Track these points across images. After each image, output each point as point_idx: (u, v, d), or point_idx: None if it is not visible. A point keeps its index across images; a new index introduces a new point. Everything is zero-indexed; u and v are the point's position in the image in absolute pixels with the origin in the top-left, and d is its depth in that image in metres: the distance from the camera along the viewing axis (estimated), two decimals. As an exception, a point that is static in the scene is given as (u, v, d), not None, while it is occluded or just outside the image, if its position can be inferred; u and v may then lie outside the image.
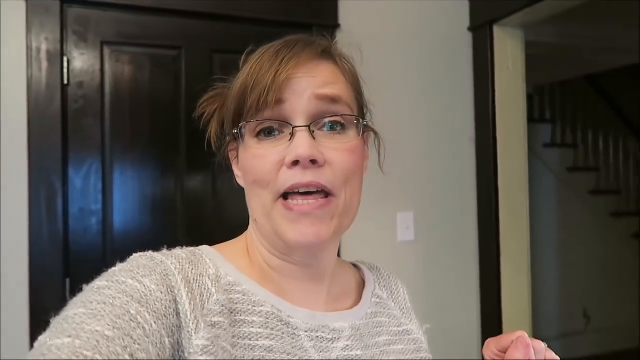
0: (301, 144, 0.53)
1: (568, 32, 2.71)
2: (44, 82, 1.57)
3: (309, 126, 0.54)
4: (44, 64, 1.57)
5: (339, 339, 0.58)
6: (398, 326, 0.66)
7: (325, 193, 0.54)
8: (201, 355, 0.48)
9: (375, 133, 0.63)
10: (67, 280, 1.59)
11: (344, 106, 0.56)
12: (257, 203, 0.57)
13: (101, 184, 1.63)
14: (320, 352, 0.56)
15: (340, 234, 0.58)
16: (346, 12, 1.92)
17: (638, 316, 4.15)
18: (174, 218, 1.72)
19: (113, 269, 0.52)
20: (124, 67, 1.67)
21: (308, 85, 0.55)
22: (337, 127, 0.56)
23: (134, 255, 0.54)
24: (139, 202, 1.68)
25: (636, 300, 4.25)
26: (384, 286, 0.69)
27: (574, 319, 4.10)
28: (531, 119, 2.39)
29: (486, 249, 2.09)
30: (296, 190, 0.54)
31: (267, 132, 0.55)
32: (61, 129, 1.59)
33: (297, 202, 0.54)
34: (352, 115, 0.57)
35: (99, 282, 0.49)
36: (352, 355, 0.58)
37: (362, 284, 0.67)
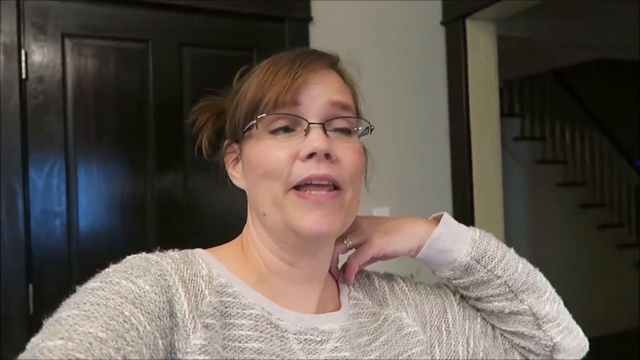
0: (317, 138, 0.55)
1: (537, 26, 2.74)
2: (0, 77, 1.48)
3: (323, 124, 0.57)
4: (1, 58, 1.48)
5: (328, 340, 0.59)
6: (377, 321, 0.67)
7: (334, 187, 0.57)
8: (199, 354, 0.49)
9: (365, 149, 0.65)
10: (30, 286, 1.50)
11: (351, 114, 0.61)
12: (267, 195, 0.57)
13: (65, 184, 1.55)
14: (309, 354, 0.57)
15: (343, 230, 0.60)
16: (318, 6, 1.88)
17: (605, 305, 4.26)
18: (144, 219, 1.65)
19: (106, 269, 0.52)
20: (87, 60, 1.59)
21: (324, 92, 0.58)
22: (344, 131, 0.60)
23: (128, 256, 0.54)
24: (106, 203, 1.61)
25: (603, 290, 4.37)
26: (359, 287, 0.70)
27: (544, 309, 4.19)
28: (501, 113, 2.42)
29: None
30: (310, 183, 0.56)
31: (280, 131, 0.57)
32: (20, 127, 1.50)
33: (311, 192, 0.56)
34: (358, 117, 0.62)
35: (93, 283, 0.49)
36: (341, 357, 0.59)
37: (338, 290, 0.68)
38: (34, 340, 0.43)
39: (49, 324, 0.45)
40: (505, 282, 0.68)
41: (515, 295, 0.69)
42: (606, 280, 4.36)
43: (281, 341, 0.56)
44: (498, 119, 2.20)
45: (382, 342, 0.64)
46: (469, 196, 2.08)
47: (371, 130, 0.63)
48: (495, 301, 0.69)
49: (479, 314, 0.73)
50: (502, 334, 0.73)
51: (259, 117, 0.57)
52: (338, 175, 0.56)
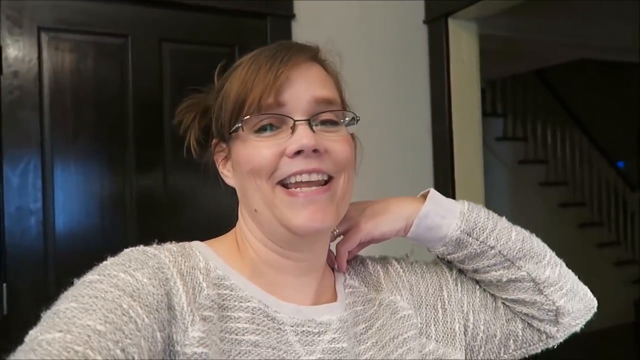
0: (304, 135, 0.55)
1: (519, 26, 2.76)
2: (-26, 72, 1.44)
3: (309, 120, 0.57)
4: (-26, 52, 1.45)
5: (325, 332, 0.59)
6: (372, 307, 0.66)
7: (325, 181, 0.58)
8: (197, 346, 0.49)
9: (354, 136, 0.65)
10: (4, 285, 1.47)
11: (337, 106, 0.61)
12: (257, 193, 0.58)
13: (40, 181, 1.52)
14: (305, 345, 0.57)
15: (338, 221, 0.61)
16: (301, 3, 1.87)
17: (585, 302, 4.32)
18: (123, 218, 1.62)
19: (104, 262, 0.52)
20: (65, 55, 1.55)
21: (307, 88, 0.58)
22: (330, 123, 0.59)
23: (126, 249, 0.55)
24: (83, 201, 1.58)
25: (583, 287, 4.42)
26: (354, 274, 0.70)
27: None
28: (484, 113, 2.44)
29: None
30: (299, 180, 0.56)
31: (265, 129, 0.57)
32: (-6, 123, 1.46)
33: (301, 189, 0.56)
34: (343, 110, 0.62)
35: (91, 276, 0.49)
36: (338, 348, 0.59)
37: (333, 279, 0.68)
38: (32, 333, 0.43)
39: (47, 317, 0.45)
40: (499, 251, 0.68)
41: (512, 262, 0.69)
42: (587, 278, 4.40)
43: (278, 333, 0.56)
44: (480, 118, 2.21)
45: (377, 327, 0.64)
46: (451, 196, 2.09)
47: (357, 121, 0.63)
48: (492, 271, 0.69)
49: (477, 286, 0.73)
50: (503, 304, 0.73)
51: (243, 119, 0.57)
52: (327, 166, 0.57)
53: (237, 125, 0.58)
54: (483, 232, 0.68)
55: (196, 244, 0.60)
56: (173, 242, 0.59)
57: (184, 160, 1.90)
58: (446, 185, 2.09)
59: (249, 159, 0.57)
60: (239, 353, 0.53)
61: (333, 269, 0.69)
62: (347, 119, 0.62)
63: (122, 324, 0.44)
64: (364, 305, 0.66)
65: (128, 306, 0.46)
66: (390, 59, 2.07)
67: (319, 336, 0.58)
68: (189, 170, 1.70)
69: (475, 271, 0.71)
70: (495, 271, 0.69)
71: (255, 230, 0.61)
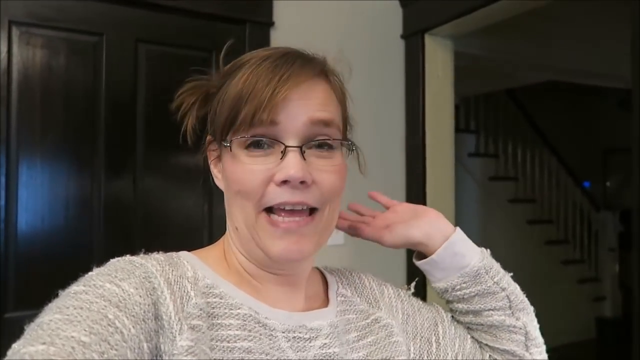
0: (292, 165, 0.54)
1: (492, 46, 2.83)
2: (-62, 63, 1.40)
3: (300, 147, 0.55)
4: (-60, 43, 1.40)
5: (316, 337, 0.59)
6: (366, 319, 0.67)
7: (309, 210, 0.57)
8: (186, 355, 0.48)
9: (357, 148, 0.64)
10: (-40, 286, 1.41)
11: (334, 129, 0.58)
12: (240, 213, 0.57)
13: (4, 178, 1.47)
14: (298, 351, 0.57)
15: (320, 247, 0.60)
16: (281, 11, 1.88)
17: (550, 319, 4.41)
18: (89, 221, 1.58)
19: (90, 273, 0.51)
20: (36, 51, 1.52)
21: (304, 110, 0.55)
22: (325, 147, 0.57)
23: (112, 259, 0.54)
24: (48, 201, 1.53)
25: (547, 305, 4.52)
26: (347, 284, 0.70)
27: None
28: (457, 129, 2.49)
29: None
30: (282, 207, 0.55)
31: (257, 145, 0.56)
32: (-42, 117, 1.42)
33: (283, 219, 0.55)
34: (340, 140, 0.59)
35: (76, 287, 0.48)
36: (330, 353, 0.59)
37: (326, 287, 0.69)
38: (15, 346, 0.42)
39: (30, 329, 0.44)
40: (507, 296, 0.70)
41: (512, 312, 0.71)
42: (551, 295, 4.52)
43: (270, 339, 0.55)
44: (453, 134, 2.25)
45: (370, 342, 0.64)
46: (423, 207, 2.10)
47: (352, 150, 0.61)
48: (495, 315, 0.71)
49: (469, 336, 0.75)
50: (490, 356, 0.74)
51: (232, 139, 0.55)
52: (313, 198, 0.56)
53: (226, 144, 0.56)
54: (497, 274, 0.71)
55: (184, 254, 0.59)
56: (160, 252, 0.58)
57: (155, 163, 1.88)
58: (418, 198, 2.11)
59: (237, 181, 0.56)
60: None
61: (325, 277, 0.69)
62: (343, 144, 0.60)
63: (107, 335, 0.43)
64: (356, 314, 0.66)
65: (114, 317, 0.45)
66: (367, 71, 2.09)
67: (310, 342, 0.58)
68: (160, 174, 1.68)
69: (477, 313, 0.72)
70: (498, 315, 0.71)
71: (237, 243, 0.60)
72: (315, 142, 0.56)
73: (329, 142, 0.57)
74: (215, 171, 0.63)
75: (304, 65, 0.57)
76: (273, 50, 0.59)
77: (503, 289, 0.70)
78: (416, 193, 2.13)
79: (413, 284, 0.79)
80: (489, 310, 0.71)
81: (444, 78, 2.20)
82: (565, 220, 5.16)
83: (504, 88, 4.54)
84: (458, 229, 0.70)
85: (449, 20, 2.02)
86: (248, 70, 0.56)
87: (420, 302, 0.75)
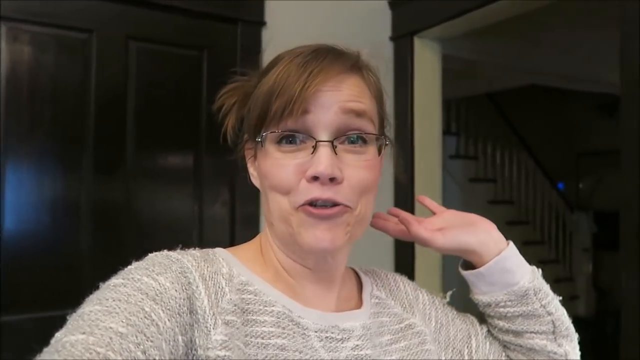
0: (322, 161, 0.53)
1: (476, 50, 2.88)
2: None
3: (332, 141, 0.55)
4: None
5: (349, 338, 0.58)
6: (400, 323, 0.66)
7: (342, 205, 0.56)
8: (220, 350, 0.49)
9: (393, 145, 0.64)
10: (-57, 290, 1.36)
11: (367, 121, 0.57)
12: (275, 207, 0.57)
13: (-10, 179, 1.42)
14: (330, 352, 0.57)
15: (353, 241, 0.59)
16: (272, 10, 1.87)
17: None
18: (77, 222, 1.54)
19: (129, 267, 0.53)
20: (24, 47, 1.47)
21: (335, 99, 0.55)
22: (358, 141, 0.57)
23: (150, 254, 0.55)
24: (36, 202, 1.49)
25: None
26: (382, 286, 0.70)
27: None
28: (440, 131, 2.58)
29: (402, 253, 2.13)
30: (314, 204, 0.55)
31: (289, 140, 0.56)
32: (-59, 114, 1.36)
33: (316, 210, 0.54)
34: (374, 134, 0.58)
35: (115, 280, 0.50)
36: (362, 355, 0.58)
37: (360, 287, 0.68)
38: (57, 334, 0.44)
39: (72, 319, 0.46)
40: (553, 321, 0.67)
41: (555, 338, 0.69)
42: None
43: (303, 338, 0.56)
44: (440, 135, 2.28)
45: (403, 346, 0.64)
46: (410, 210, 2.13)
47: (386, 144, 0.61)
48: (537, 338, 0.68)
49: (504, 354, 0.72)
50: None
51: (264, 134, 0.56)
52: (344, 197, 0.55)
53: (258, 140, 0.57)
54: (546, 297, 0.67)
55: (219, 250, 0.60)
56: (197, 248, 0.58)
57: (146, 164, 1.85)
58: (406, 199, 2.13)
59: (270, 176, 0.56)
60: (266, 357, 0.52)
61: (360, 278, 0.69)
62: (356, 141, 0.57)
63: (144, 327, 0.45)
64: (389, 317, 0.65)
65: (150, 309, 0.47)
66: (356, 72, 2.09)
67: (342, 343, 0.58)
68: (151, 175, 1.65)
69: (519, 334, 0.69)
70: (540, 339, 0.68)
71: (275, 238, 0.60)
72: (347, 137, 0.56)
73: (362, 136, 0.56)
74: (251, 169, 0.64)
75: (335, 59, 0.56)
76: (305, 48, 0.58)
77: (549, 313, 0.67)
78: (404, 194, 2.14)
79: (449, 293, 0.77)
80: (532, 332, 0.68)
81: (432, 80, 2.22)
82: (541, 221, 5.28)
83: (485, 91, 4.62)
84: (511, 243, 0.67)
85: (437, 23, 2.05)
86: (280, 67, 0.57)
87: (455, 312, 0.74)
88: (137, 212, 1.62)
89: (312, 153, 0.54)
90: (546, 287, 0.68)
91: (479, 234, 0.66)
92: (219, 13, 1.75)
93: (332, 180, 0.54)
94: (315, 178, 0.54)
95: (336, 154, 0.55)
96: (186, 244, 0.60)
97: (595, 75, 3.32)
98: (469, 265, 0.69)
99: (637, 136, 1.27)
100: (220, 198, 1.76)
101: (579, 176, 6.22)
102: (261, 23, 1.83)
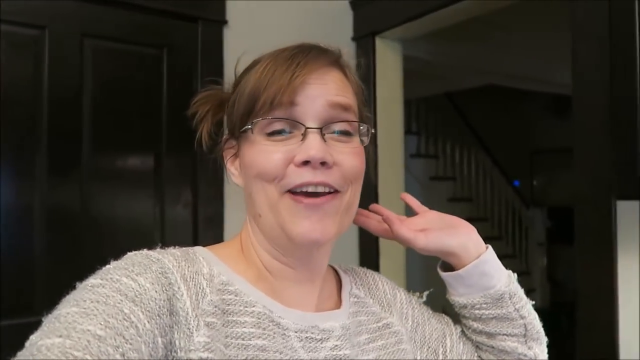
0: (313, 145, 0.54)
1: (435, 50, 2.94)
2: None
3: (320, 129, 0.56)
4: None
5: (328, 339, 0.59)
6: (377, 322, 0.67)
7: (331, 193, 0.56)
8: (203, 352, 0.49)
9: (371, 138, 0.65)
10: None
11: (352, 115, 0.59)
12: (262, 197, 0.57)
13: None
14: (309, 352, 0.57)
15: (340, 233, 0.59)
16: (234, 9, 1.85)
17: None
18: (30, 226, 1.47)
19: (107, 266, 0.52)
20: (-30, 44, 1.40)
21: (322, 92, 0.57)
22: (344, 133, 0.58)
23: (129, 253, 0.54)
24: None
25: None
26: (361, 285, 0.70)
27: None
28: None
29: (366, 249, 2.14)
30: (304, 190, 0.55)
31: (277, 132, 0.56)
32: None
33: (307, 199, 0.55)
34: (359, 122, 0.60)
35: (93, 280, 0.49)
36: (341, 355, 0.59)
37: (339, 286, 0.68)
38: (32, 337, 0.43)
39: (48, 321, 0.45)
40: (525, 324, 0.69)
41: (526, 341, 0.70)
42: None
43: (283, 339, 0.55)
44: (402, 135, 2.31)
45: (379, 345, 0.64)
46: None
47: (370, 134, 0.62)
48: (509, 340, 0.70)
49: (477, 355, 0.73)
50: None
51: (254, 121, 0.56)
52: (335, 179, 0.56)
53: (247, 127, 0.57)
54: (520, 301, 0.69)
55: (199, 249, 0.59)
56: (176, 247, 0.58)
57: (103, 166, 1.78)
58: (370, 198, 2.14)
59: (257, 163, 0.56)
60: (246, 358, 0.52)
61: (340, 276, 0.69)
62: (362, 128, 0.61)
63: (122, 329, 0.44)
64: (367, 316, 0.66)
65: (129, 311, 0.46)
66: (319, 72, 2.09)
67: (321, 343, 0.58)
68: (110, 177, 1.60)
69: (493, 336, 0.70)
70: (512, 342, 0.70)
71: (259, 235, 0.60)
72: (334, 127, 0.57)
73: (347, 128, 0.58)
74: (232, 169, 0.64)
75: (319, 54, 0.58)
76: (288, 46, 0.60)
77: (522, 317, 0.68)
78: (368, 193, 2.16)
79: (426, 292, 0.79)
80: (504, 335, 0.69)
81: (393, 80, 2.25)
82: (499, 218, 5.44)
83: (443, 91, 4.72)
84: (490, 247, 0.68)
85: (398, 24, 2.07)
86: (265, 62, 0.58)
87: (431, 312, 0.75)
88: (95, 215, 1.56)
89: (301, 140, 0.55)
90: (521, 292, 0.70)
91: (460, 236, 0.67)
92: (179, 11, 1.72)
93: (323, 164, 0.55)
94: (305, 163, 0.54)
95: (325, 141, 0.56)
96: (148, 247, 0.58)
97: (549, 76, 3.45)
98: (448, 267, 0.70)
99: (587, 135, 1.33)
100: (182, 199, 1.73)
101: (533, 174, 6.44)
102: (222, 22, 1.80)
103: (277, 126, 0.56)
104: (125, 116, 1.63)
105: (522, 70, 3.41)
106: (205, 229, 1.73)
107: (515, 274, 0.71)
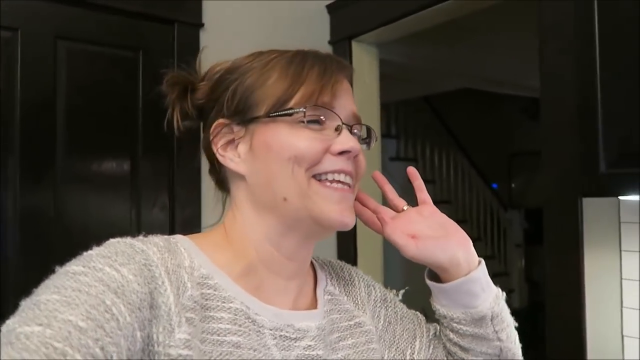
0: (351, 139, 0.60)
1: (413, 53, 2.98)
2: None
3: (350, 127, 0.62)
4: None
5: (302, 338, 0.59)
6: (349, 320, 0.67)
7: (349, 185, 0.61)
8: (183, 349, 0.49)
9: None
10: None
11: (360, 124, 0.65)
12: (290, 182, 0.58)
13: None
14: (282, 350, 0.57)
15: None
16: (210, 12, 1.85)
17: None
18: (2, 230, 1.45)
19: (89, 252, 0.51)
20: (-61, 45, 1.38)
21: (349, 102, 0.63)
22: (363, 139, 0.66)
23: (111, 240, 0.53)
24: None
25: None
26: (336, 281, 0.71)
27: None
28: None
29: (344, 251, 2.15)
30: (336, 178, 0.59)
31: (317, 122, 0.59)
32: None
33: (337, 185, 0.59)
34: (367, 138, 0.67)
35: (75, 267, 0.48)
36: (313, 355, 0.59)
37: (315, 281, 0.69)
38: (10, 323, 0.42)
39: (27, 307, 0.43)
40: (501, 347, 0.68)
41: None
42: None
43: (257, 336, 0.56)
44: (380, 138, 2.33)
45: (350, 344, 0.65)
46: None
47: (369, 145, 0.68)
48: (481, 358, 0.69)
49: (445, 358, 0.72)
50: None
51: (299, 110, 0.58)
52: (356, 174, 0.62)
53: (289, 111, 0.58)
54: (501, 323, 0.67)
55: (180, 238, 0.59)
56: (158, 234, 0.58)
57: (78, 169, 1.76)
58: (347, 199, 2.16)
59: (296, 146, 0.58)
60: (220, 354, 0.52)
61: (315, 273, 0.69)
62: (362, 137, 0.66)
63: (103, 321, 0.43)
64: (340, 314, 0.67)
65: (111, 303, 0.45)
66: (296, 75, 2.11)
67: (295, 342, 0.59)
68: (84, 181, 1.59)
69: (467, 350, 0.69)
70: None
71: (264, 222, 0.60)
72: (353, 128, 0.63)
73: (366, 139, 0.66)
74: (229, 154, 0.62)
75: (343, 67, 0.63)
76: (297, 50, 0.64)
77: (500, 340, 0.67)
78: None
79: (402, 291, 0.78)
80: (478, 352, 0.68)
81: (370, 84, 2.27)
82: (477, 220, 5.51)
83: (421, 95, 4.77)
84: (482, 263, 0.66)
85: (374, 28, 2.10)
86: (285, 56, 0.62)
87: (405, 310, 0.74)
88: (69, 219, 1.55)
89: (336, 132, 0.60)
90: (505, 313, 0.68)
91: (453, 250, 0.64)
92: (155, 13, 1.71)
93: (355, 157, 0.61)
94: (342, 153, 0.59)
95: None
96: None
97: (523, 80, 3.52)
98: (434, 274, 0.68)
99: (553, 135, 1.36)
100: (158, 202, 1.72)
101: (511, 176, 6.54)
102: (199, 25, 1.81)
103: (316, 116, 0.59)
104: (100, 119, 1.62)
105: (497, 74, 3.48)
106: (183, 232, 1.72)
107: (504, 293, 0.69)
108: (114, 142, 1.65)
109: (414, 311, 0.76)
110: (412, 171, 0.76)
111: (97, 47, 1.62)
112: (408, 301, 0.78)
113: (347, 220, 0.59)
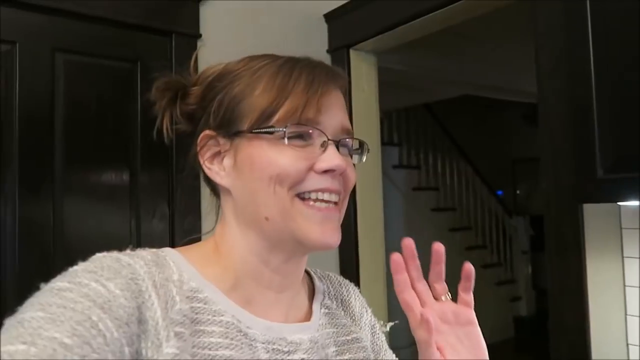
0: (337, 156, 0.58)
1: (412, 61, 2.98)
2: None
3: (337, 142, 0.59)
4: None
5: (295, 351, 0.58)
6: (347, 335, 0.66)
7: (335, 202, 0.59)
8: None
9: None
10: None
11: (351, 136, 0.63)
12: (272, 201, 0.56)
13: None
14: None
15: None
16: (208, 23, 1.86)
17: (472, 320, 4.63)
18: (2, 244, 1.45)
19: (75, 268, 0.50)
20: (-62, 60, 1.39)
21: (337, 115, 0.60)
22: (352, 153, 0.63)
23: (97, 254, 0.52)
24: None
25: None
26: (334, 295, 0.70)
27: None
28: (382, 142, 2.61)
29: (346, 259, 2.14)
30: (319, 197, 0.57)
31: (298, 137, 0.57)
32: None
33: (320, 204, 0.57)
34: (363, 142, 0.66)
35: (60, 283, 0.47)
36: None
37: (312, 294, 0.68)
38: None
39: (10, 325, 0.42)
40: None
41: None
42: (474, 297, 4.75)
43: (250, 349, 0.55)
44: (379, 145, 2.33)
45: (347, 359, 0.64)
46: (353, 218, 2.15)
47: (362, 157, 0.66)
48: None
49: None
50: None
51: (279, 129, 0.56)
52: (342, 188, 0.60)
53: (273, 129, 0.56)
54: None
55: (169, 251, 0.58)
56: (146, 248, 0.57)
57: (76, 181, 1.77)
58: (348, 210, 2.15)
59: (277, 165, 0.56)
60: None
61: (314, 287, 0.69)
62: (354, 148, 0.64)
63: (90, 338, 0.42)
64: (337, 328, 0.66)
65: (98, 318, 0.44)
66: (295, 84, 2.11)
67: (288, 355, 0.57)
68: (83, 192, 1.59)
69: None
70: None
71: (251, 238, 0.59)
72: (347, 144, 0.62)
73: (358, 149, 0.64)
74: (214, 167, 0.61)
75: (333, 76, 0.61)
76: (292, 57, 0.61)
77: None
78: (347, 206, 2.16)
79: (391, 324, 0.79)
80: None
81: (369, 92, 2.27)
82: (482, 227, 5.48)
83: (422, 102, 4.77)
84: None
85: (371, 36, 2.10)
86: (275, 64, 0.59)
87: (386, 346, 0.74)
88: (68, 231, 1.55)
89: (321, 148, 0.58)
90: None
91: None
92: (152, 25, 1.73)
93: (341, 174, 0.58)
94: (326, 171, 0.57)
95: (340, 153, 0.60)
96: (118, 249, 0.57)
97: (521, 86, 3.52)
98: None
99: (550, 142, 1.35)
100: (158, 212, 1.72)
101: (516, 182, 6.52)
102: (196, 36, 1.82)
103: (298, 133, 0.57)
104: (98, 130, 1.62)
105: (494, 81, 3.48)
106: (183, 241, 1.72)
107: None
108: (113, 153, 1.66)
109: (392, 353, 0.74)
110: (469, 270, 0.65)
111: (95, 59, 1.63)
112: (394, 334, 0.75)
113: (330, 241, 0.57)
